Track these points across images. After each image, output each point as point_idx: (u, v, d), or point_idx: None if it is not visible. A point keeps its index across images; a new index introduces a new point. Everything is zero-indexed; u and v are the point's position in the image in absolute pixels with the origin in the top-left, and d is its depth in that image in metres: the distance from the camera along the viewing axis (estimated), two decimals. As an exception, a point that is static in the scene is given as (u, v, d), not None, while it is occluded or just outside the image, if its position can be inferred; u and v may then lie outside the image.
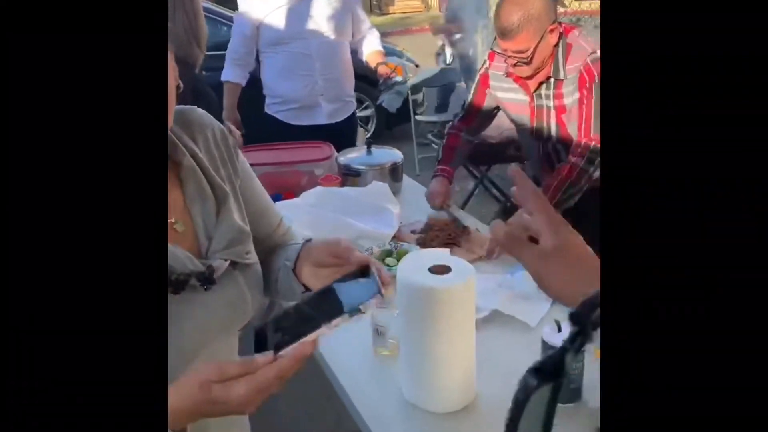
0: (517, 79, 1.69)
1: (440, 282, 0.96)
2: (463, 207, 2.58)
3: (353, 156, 2.01)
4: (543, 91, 1.67)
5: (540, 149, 1.78)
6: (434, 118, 4.60)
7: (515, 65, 1.60)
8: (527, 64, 1.58)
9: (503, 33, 1.55)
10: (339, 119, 2.51)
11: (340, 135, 2.24)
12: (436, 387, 1.03)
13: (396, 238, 1.62)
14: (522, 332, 1.23)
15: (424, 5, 15.93)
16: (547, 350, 1.01)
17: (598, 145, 1.57)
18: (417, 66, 4.99)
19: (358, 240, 1.56)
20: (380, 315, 1.17)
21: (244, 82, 2.46)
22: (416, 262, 1.03)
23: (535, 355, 1.10)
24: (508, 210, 3.21)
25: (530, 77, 1.63)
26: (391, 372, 1.14)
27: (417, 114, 4.72)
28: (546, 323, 1.25)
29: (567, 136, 1.68)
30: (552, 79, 1.63)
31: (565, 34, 1.61)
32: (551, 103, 1.66)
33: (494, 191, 3.30)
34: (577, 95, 1.61)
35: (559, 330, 1.02)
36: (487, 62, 1.81)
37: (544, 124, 1.71)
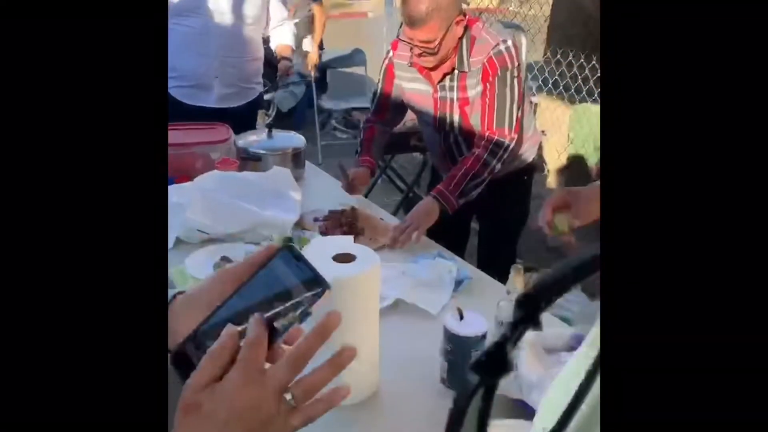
0: (421, 70, 1.68)
1: (345, 271, 0.93)
2: (366, 196, 2.57)
3: (253, 140, 1.92)
4: (447, 82, 1.66)
5: (442, 141, 1.79)
6: (338, 104, 4.56)
7: (420, 55, 1.58)
8: (433, 54, 1.56)
9: (411, 21, 1.52)
10: (233, 104, 2.41)
11: (235, 121, 2.15)
12: (341, 378, 1.00)
13: (298, 225, 1.57)
14: (424, 320, 1.23)
15: (328, -9, 15.76)
16: (449, 338, 1.01)
17: (501, 138, 1.61)
18: (321, 48, 4.91)
19: (257, 228, 1.50)
20: (281, 305, 1.12)
21: None
22: (319, 251, 0.99)
23: (436, 343, 1.11)
24: (410, 200, 3.24)
25: (434, 68, 1.63)
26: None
27: (320, 100, 4.66)
28: (448, 311, 1.26)
29: (469, 129, 1.70)
30: (456, 71, 1.63)
31: (469, 26, 1.61)
32: (455, 95, 1.67)
33: (397, 181, 3.32)
34: (480, 88, 1.62)
35: (461, 318, 1.02)
36: (391, 51, 1.78)
37: (447, 116, 1.71)
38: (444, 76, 1.65)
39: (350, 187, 1.75)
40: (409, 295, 1.28)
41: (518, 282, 1.12)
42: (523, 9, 6.48)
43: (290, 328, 0.50)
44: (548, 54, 4.07)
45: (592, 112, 3.27)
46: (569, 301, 2.31)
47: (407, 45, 1.60)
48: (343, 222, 1.58)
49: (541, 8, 5.13)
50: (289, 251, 0.53)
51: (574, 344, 1.08)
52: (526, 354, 0.99)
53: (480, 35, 1.61)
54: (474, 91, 1.63)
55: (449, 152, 1.79)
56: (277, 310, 0.50)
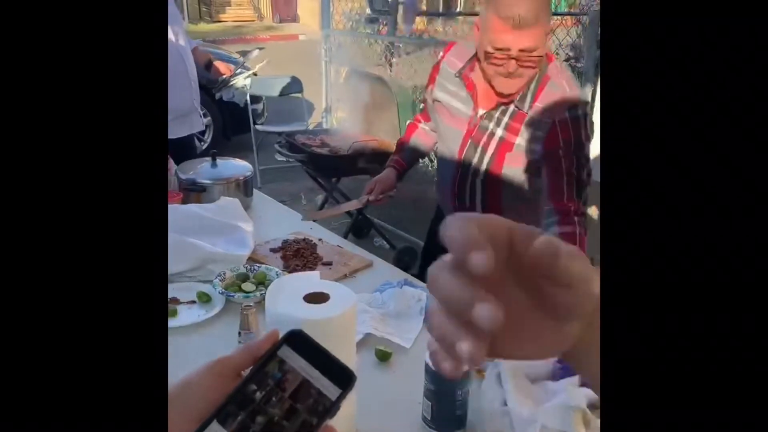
0: (470, 86, 1.38)
1: (319, 313, 0.85)
2: (315, 220, 2.48)
3: (196, 169, 1.80)
4: (497, 114, 1.37)
5: (458, 179, 1.49)
6: (275, 128, 4.45)
7: (509, 74, 1.26)
8: (532, 68, 1.26)
9: (517, 21, 1.19)
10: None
11: (184, 146, 2.06)
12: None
13: (252, 259, 1.47)
14: (398, 354, 1.16)
15: (256, 15, 15.63)
16: (432, 377, 0.94)
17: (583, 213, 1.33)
18: (255, 75, 4.80)
19: (208, 264, 1.38)
20: (243, 351, 1.02)
21: None
22: (287, 290, 0.90)
23: (412, 378, 1.04)
24: (359, 222, 3.17)
25: (511, 95, 1.33)
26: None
27: (257, 124, 4.54)
28: (421, 343, 1.19)
29: (496, 177, 1.42)
30: (513, 108, 1.35)
31: (547, 60, 1.33)
32: (499, 132, 1.37)
33: (344, 204, 3.24)
34: (538, 148, 1.34)
35: (443, 353, 0.96)
36: (442, 53, 1.51)
37: (478, 151, 1.42)
38: (497, 105, 1.37)
39: (369, 191, 1.63)
40: (378, 328, 1.21)
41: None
42: (445, 28, 6.63)
43: (323, 425, 0.43)
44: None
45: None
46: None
47: (500, 57, 1.25)
48: (301, 252, 1.49)
49: (460, 26, 5.24)
50: (299, 337, 0.46)
51: (558, 372, 1.04)
52: (512, 387, 0.94)
53: (556, 77, 1.32)
54: (526, 143, 1.35)
55: (460, 194, 1.50)
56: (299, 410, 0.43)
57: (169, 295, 1.31)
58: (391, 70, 4.24)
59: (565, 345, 0.34)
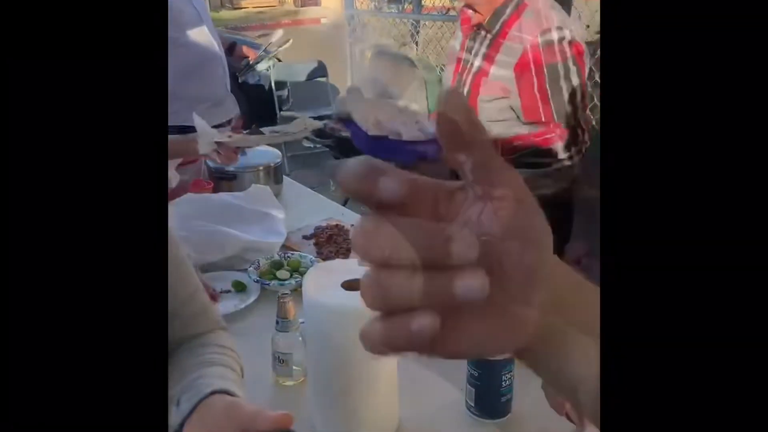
0: (464, 20, 1.46)
1: (358, 300, 0.83)
2: (344, 204, 2.47)
3: (225, 158, 1.79)
4: (476, 45, 1.46)
5: None
6: (302, 114, 4.44)
7: None
8: None
9: None
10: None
11: None
12: (356, 418, 0.90)
13: (285, 247, 1.46)
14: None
15: (277, 0, 15.60)
16: (475, 362, 0.91)
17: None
18: (279, 61, 4.78)
19: (242, 254, 1.38)
20: (282, 340, 1.01)
21: None
22: (324, 277, 0.88)
23: (455, 365, 1.01)
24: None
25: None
26: (298, 405, 0.98)
27: (282, 110, 4.53)
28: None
29: (472, 105, 1.51)
30: (488, 36, 1.42)
31: None
32: (477, 62, 1.46)
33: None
34: (509, 74, 1.40)
35: (486, 338, 0.93)
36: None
37: (461, 84, 1.49)
38: (475, 28, 1.45)
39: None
40: (416, 313, 1.18)
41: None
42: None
43: None
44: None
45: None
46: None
47: None
48: (334, 239, 1.47)
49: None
50: None
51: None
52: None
53: (535, 6, 1.36)
54: (502, 71, 1.42)
55: None
56: None
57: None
58: (417, 49, 4.16)
59: (522, 334, 0.28)
